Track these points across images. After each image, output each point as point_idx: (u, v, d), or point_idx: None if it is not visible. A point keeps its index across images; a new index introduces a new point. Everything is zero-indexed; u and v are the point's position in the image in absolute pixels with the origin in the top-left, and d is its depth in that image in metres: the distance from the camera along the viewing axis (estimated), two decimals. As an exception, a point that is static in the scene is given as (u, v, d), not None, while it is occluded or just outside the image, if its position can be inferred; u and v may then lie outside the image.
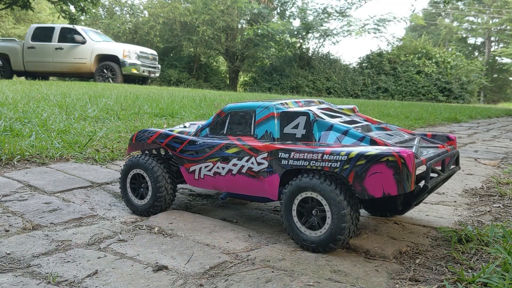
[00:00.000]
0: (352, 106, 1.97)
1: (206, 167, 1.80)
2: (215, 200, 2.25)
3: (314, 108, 1.77)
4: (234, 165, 1.70)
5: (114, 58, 12.48)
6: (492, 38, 35.46)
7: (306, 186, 1.51)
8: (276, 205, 2.14)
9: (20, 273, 1.30)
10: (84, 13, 15.05)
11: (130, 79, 12.93)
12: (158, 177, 1.86)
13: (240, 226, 1.81)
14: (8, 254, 1.42)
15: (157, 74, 14.55)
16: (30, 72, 13.30)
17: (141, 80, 13.83)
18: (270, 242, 1.63)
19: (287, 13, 24.04)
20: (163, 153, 2.10)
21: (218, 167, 1.76)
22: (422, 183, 1.54)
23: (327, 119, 1.66)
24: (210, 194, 2.34)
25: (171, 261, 1.42)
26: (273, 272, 1.35)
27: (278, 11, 24.06)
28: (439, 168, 1.68)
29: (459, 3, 33.62)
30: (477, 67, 22.76)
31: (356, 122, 1.75)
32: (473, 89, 21.77)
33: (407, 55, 21.51)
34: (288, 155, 1.56)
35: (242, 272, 1.35)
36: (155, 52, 14.45)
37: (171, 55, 23.16)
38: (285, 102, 1.77)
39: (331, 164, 1.45)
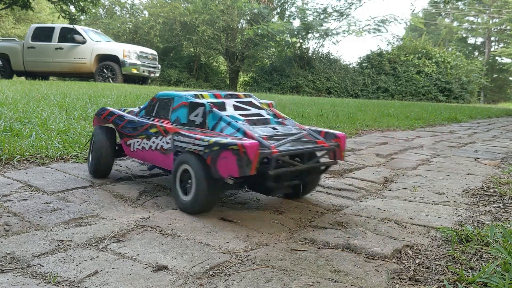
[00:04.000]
0: (269, 102, 2.27)
1: (137, 142, 2.22)
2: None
3: (229, 101, 2.06)
4: (154, 142, 2.11)
5: (114, 58, 12.48)
6: (492, 38, 35.47)
7: (182, 160, 1.89)
8: (276, 205, 2.14)
9: (20, 273, 1.29)
10: (84, 13, 15.05)
11: (130, 79, 12.93)
12: (99, 141, 2.35)
13: (240, 226, 1.81)
14: (8, 254, 1.42)
15: (157, 74, 14.56)
16: (30, 72, 13.29)
17: (141, 80, 13.83)
18: (270, 242, 1.63)
19: (287, 13, 24.04)
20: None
21: (144, 143, 2.17)
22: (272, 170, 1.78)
23: (221, 111, 1.96)
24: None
25: (171, 261, 1.42)
26: (273, 272, 1.35)
27: (278, 11, 24.05)
28: (299, 160, 1.98)
29: (459, 3, 33.63)
30: (477, 67, 22.78)
31: (254, 115, 2.04)
32: (473, 89, 21.77)
33: (407, 55, 21.51)
34: (178, 137, 1.93)
35: (242, 272, 1.35)
36: (155, 52, 14.46)
37: (171, 55, 23.16)
38: (200, 94, 2.11)
39: (198, 148, 1.81)
